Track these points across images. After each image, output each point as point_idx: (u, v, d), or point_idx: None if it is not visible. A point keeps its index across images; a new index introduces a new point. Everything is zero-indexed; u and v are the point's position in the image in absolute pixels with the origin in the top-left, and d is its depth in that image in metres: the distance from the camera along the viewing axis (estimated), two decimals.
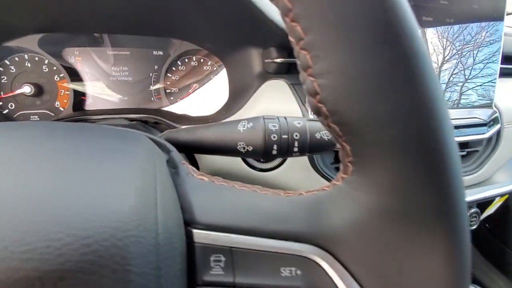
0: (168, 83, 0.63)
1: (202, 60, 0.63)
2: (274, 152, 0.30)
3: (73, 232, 0.13)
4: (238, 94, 0.56)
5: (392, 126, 0.15)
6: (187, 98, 0.64)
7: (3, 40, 0.52)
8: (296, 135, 0.30)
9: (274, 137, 0.30)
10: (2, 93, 0.55)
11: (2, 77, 0.55)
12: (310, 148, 0.31)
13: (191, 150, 0.34)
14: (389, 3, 0.14)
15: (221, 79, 0.64)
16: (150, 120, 0.54)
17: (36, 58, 0.56)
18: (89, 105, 0.60)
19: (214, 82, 0.64)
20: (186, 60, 0.63)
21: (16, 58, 0.55)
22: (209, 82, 0.64)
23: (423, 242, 0.16)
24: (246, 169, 0.44)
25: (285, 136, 0.30)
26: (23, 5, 0.45)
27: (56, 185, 0.15)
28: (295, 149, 0.30)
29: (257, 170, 0.44)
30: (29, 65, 0.55)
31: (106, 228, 0.14)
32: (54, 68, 0.56)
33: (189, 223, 0.18)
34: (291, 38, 0.16)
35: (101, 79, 0.60)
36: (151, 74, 0.63)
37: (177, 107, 0.64)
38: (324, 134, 0.31)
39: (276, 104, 0.46)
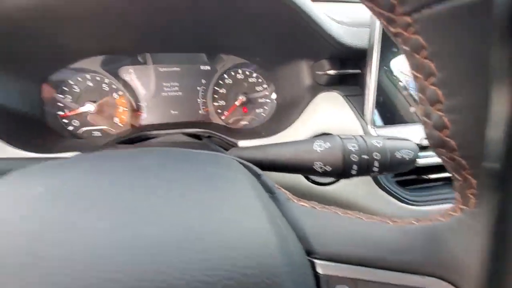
0: (216, 96, 0.65)
1: (248, 73, 0.65)
2: (353, 172, 0.30)
3: (238, 273, 0.14)
4: (288, 106, 0.57)
5: None
6: (234, 110, 0.65)
7: (69, 62, 0.56)
8: (376, 155, 0.30)
9: (354, 157, 0.30)
10: (67, 111, 0.59)
11: (67, 96, 0.59)
12: (390, 167, 0.30)
13: (261, 168, 0.35)
14: None
15: (268, 91, 0.65)
16: (204, 134, 0.56)
17: (98, 78, 0.59)
18: (144, 119, 0.63)
19: (260, 93, 0.65)
20: (233, 73, 0.64)
21: (79, 78, 0.59)
22: (256, 94, 0.65)
23: None
24: (305, 183, 0.44)
25: (365, 157, 0.30)
26: (88, 31, 0.49)
27: (195, 220, 0.16)
28: (375, 169, 0.30)
29: (317, 184, 0.44)
30: (90, 84, 0.59)
31: (263, 266, 0.14)
32: (113, 86, 0.60)
33: (308, 253, 0.19)
34: (417, 74, 0.17)
35: (154, 95, 0.63)
36: (198, 88, 0.65)
37: (225, 119, 0.65)
38: (404, 153, 0.30)
39: (333, 117, 0.46)
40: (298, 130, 0.47)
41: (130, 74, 0.62)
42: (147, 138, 0.54)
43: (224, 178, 0.22)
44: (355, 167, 0.30)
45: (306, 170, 0.32)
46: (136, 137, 0.53)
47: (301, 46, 0.50)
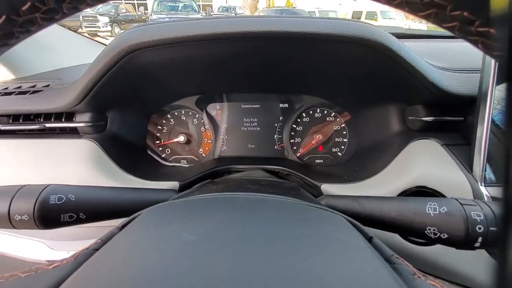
0: (292, 133, 0.66)
1: (326, 112, 0.65)
2: (477, 244, 0.26)
3: None
4: (371, 150, 0.54)
5: None
6: (309, 148, 0.65)
7: (171, 101, 0.65)
8: None
9: (479, 228, 0.26)
10: (162, 140, 0.68)
11: (164, 127, 0.68)
12: None
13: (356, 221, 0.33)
14: None
15: (346, 131, 0.64)
16: (282, 172, 0.57)
17: (190, 113, 0.67)
18: (224, 151, 0.68)
19: (338, 133, 0.64)
20: (311, 112, 0.65)
21: (176, 113, 0.68)
22: (333, 133, 0.64)
23: None
24: (400, 242, 0.40)
25: (494, 229, 0.26)
26: (191, 78, 0.57)
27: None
28: None
29: (412, 243, 0.40)
30: (184, 118, 0.68)
31: None
32: (202, 120, 0.67)
33: None
34: None
35: (235, 129, 0.68)
36: (276, 125, 0.67)
37: (300, 156, 0.66)
38: None
39: (432, 169, 0.42)
40: (387, 179, 0.44)
41: (216, 110, 0.68)
42: (230, 171, 0.58)
43: (342, 241, 0.22)
44: (480, 239, 0.26)
45: (414, 233, 0.29)
46: (218, 171, 0.57)
47: (393, 90, 0.49)
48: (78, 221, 0.32)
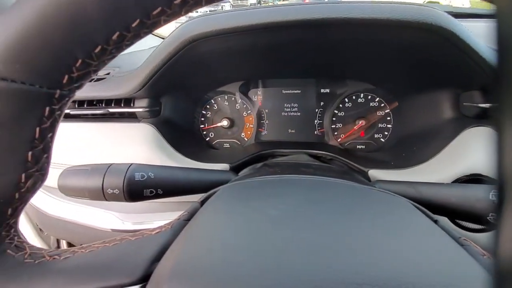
0: (334, 118, 0.67)
1: (369, 97, 0.64)
2: None
3: None
4: (420, 137, 0.54)
5: None
6: (351, 134, 0.66)
7: (217, 87, 0.68)
8: None
9: None
10: (206, 124, 0.72)
11: (208, 112, 0.71)
12: None
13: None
14: None
15: (391, 117, 0.63)
16: (326, 157, 0.58)
17: (232, 98, 0.70)
18: (265, 136, 0.70)
19: (382, 119, 0.64)
20: (354, 97, 0.65)
21: (219, 98, 0.70)
22: (376, 118, 0.64)
23: None
24: (451, 227, 0.41)
25: None
26: (239, 65, 0.58)
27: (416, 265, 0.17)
28: None
29: (465, 230, 0.41)
30: (226, 103, 0.70)
31: None
32: (244, 106, 0.70)
33: None
34: None
35: (276, 114, 0.70)
36: (316, 110, 0.68)
37: (341, 142, 0.66)
38: None
39: (487, 158, 0.41)
40: (440, 166, 0.44)
41: (258, 95, 0.70)
42: (274, 155, 0.60)
43: (414, 221, 0.24)
44: None
45: (475, 218, 0.30)
46: (262, 155, 0.60)
47: (449, 75, 0.47)
48: (156, 196, 0.36)
